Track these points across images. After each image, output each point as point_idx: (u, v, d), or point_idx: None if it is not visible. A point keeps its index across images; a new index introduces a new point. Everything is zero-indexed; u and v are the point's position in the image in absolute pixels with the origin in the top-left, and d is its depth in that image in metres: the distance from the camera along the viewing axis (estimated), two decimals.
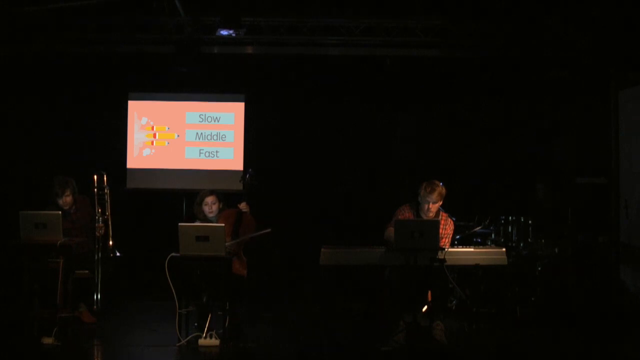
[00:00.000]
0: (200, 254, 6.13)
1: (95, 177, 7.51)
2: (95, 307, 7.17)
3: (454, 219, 6.63)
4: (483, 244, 7.94)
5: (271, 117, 9.44)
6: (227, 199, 7.03)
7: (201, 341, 6.14)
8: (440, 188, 6.33)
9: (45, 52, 8.93)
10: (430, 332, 6.14)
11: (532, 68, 9.00)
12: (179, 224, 6.23)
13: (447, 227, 6.40)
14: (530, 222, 7.83)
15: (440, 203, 6.40)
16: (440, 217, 6.44)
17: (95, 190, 7.37)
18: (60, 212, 6.57)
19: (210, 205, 6.79)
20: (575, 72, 8.82)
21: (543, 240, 7.71)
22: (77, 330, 6.64)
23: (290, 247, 9.06)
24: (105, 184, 7.52)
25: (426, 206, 6.34)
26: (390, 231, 6.21)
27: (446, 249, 6.05)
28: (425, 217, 6.40)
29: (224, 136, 9.37)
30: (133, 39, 8.80)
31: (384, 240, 6.35)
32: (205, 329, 6.18)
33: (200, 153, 9.36)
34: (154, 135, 9.36)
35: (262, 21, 8.73)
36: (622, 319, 7.49)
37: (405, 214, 6.46)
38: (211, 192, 6.88)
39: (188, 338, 6.19)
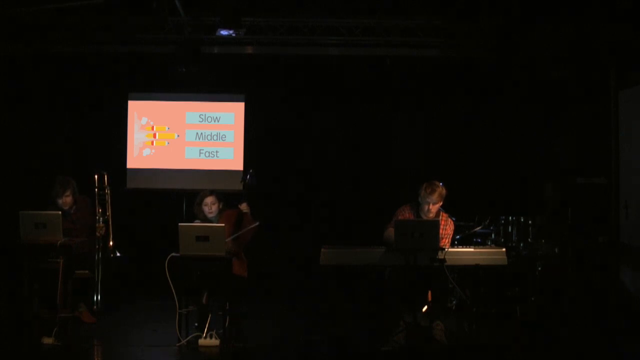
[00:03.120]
0: (200, 254, 6.13)
1: (95, 177, 7.51)
2: (95, 307, 7.17)
3: (454, 219, 6.63)
4: (483, 244, 7.94)
5: (271, 117, 9.44)
6: (227, 199, 7.03)
7: (201, 341, 6.14)
8: (441, 189, 6.33)
9: (45, 52, 8.93)
10: (430, 332, 6.14)
11: (532, 68, 9.00)
12: (179, 224, 6.23)
13: (447, 227, 6.41)
14: (530, 222, 7.82)
15: (441, 204, 6.40)
16: (440, 217, 6.44)
17: (96, 190, 7.38)
18: (60, 212, 6.57)
19: (210, 206, 6.79)
20: (575, 72, 8.82)
21: (543, 240, 7.71)
22: (77, 330, 6.64)
23: (290, 247, 9.07)
24: (106, 184, 7.52)
25: (426, 207, 6.34)
26: (390, 231, 6.22)
27: (446, 249, 6.05)
28: (425, 218, 6.40)
29: (224, 136, 9.37)
30: (133, 39, 8.81)
31: (384, 241, 6.35)
32: (205, 329, 6.18)
33: (200, 153, 9.37)
34: (154, 135, 9.36)
35: (262, 21, 8.74)
36: (622, 319, 7.49)
37: (405, 214, 6.46)
38: (211, 193, 6.89)
39: (188, 338, 6.19)
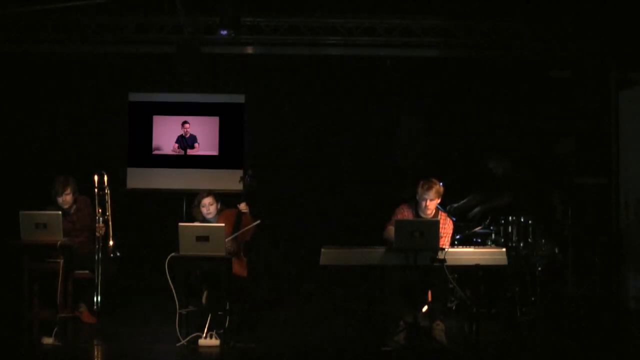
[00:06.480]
0: (200, 254, 6.13)
1: (95, 177, 7.50)
2: (95, 307, 7.16)
3: (454, 219, 6.64)
4: (483, 244, 7.93)
5: (271, 117, 9.44)
6: (226, 199, 7.03)
7: (201, 341, 6.14)
8: (438, 186, 6.39)
9: (45, 52, 8.93)
10: (430, 332, 6.15)
11: (532, 68, 9.00)
12: (179, 224, 6.23)
13: (446, 226, 6.43)
14: (530, 222, 7.82)
15: (438, 201, 6.44)
16: (439, 216, 6.47)
17: (96, 190, 7.37)
18: (60, 212, 6.56)
19: (208, 207, 6.79)
20: (575, 72, 8.83)
21: (543, 240, 7.70)
22: (77, 330, 6.64)
23: (290, 247, 9.07)
24: (106, 184, 7.51)
25: (424, 203, 6.38)
26: (390, 230, 6.23)
27: (446, 249, 6.05)
28: (423, 215, 6.43)
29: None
30: (133, 39, 8.81)
31: (384, 240, 6.36)
32: (205, 329, 6.18)
33: None
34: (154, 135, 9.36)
35: (262, 21, 8.75)
36: (622, 319, 7.49)
37: (403, 213, 6.49)
38: (208, 194, 6.89)
39: (188, 338, 6.18)
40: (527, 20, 8.62)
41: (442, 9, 8.58)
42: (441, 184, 6.54)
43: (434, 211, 6.51)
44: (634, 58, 8.28)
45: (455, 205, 7.90)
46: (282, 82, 9.40)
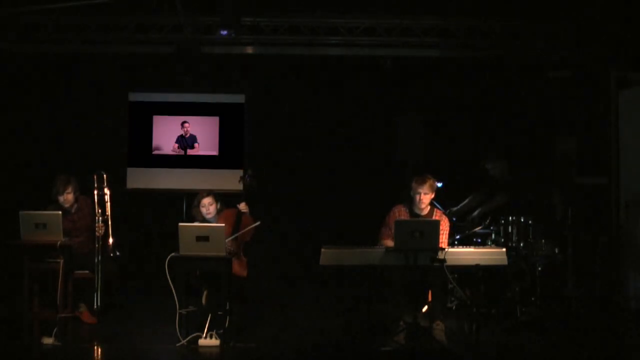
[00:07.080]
0: (200, 254, 6.13)
1: (95, 177, 7.51)
2: (95, 307, 7.16)
3: (453, 219, 6.65)
4: (483, 244, 7.93)
5: (271, 116, 9.45)
6: (226, 199, 7.03)
7: (201, 341, 6.14)
8: (432, 181, 6.50)
9: (45, 52, 8.93)
10: (430, 332, 6.15)
11: (532, 68, 9.00)
12: (179, 224, 6.23)
13: (442, 223, 6.44)
14: (530, 222, 7.82)
15: (432, 195, 6.52)
16: (434, 213, 6.53)
17: (96, 190, 7.37)
18: (60, 212, 6.56)
19: (208, 207, 6.80)
20: (575, 72, 8.83)
21: (543, 240, 7.70)
22: (77, 330, 6.64)
23: (290, 247, 9.07)
24: (105, 184, 7.51)
25: (418, 197, 6.45)
26: (386, 243, 6.29)
27: (446, 249, 6.06)
28: (418, 211, 6.50)
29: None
30: (133, 39, 8.81)
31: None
32: (205, 329, 6.18)
33: None
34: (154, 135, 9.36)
35: (262, 21, 8.75)
36: (623, 320, 7.49)
37: (396, 213, 6.54)
38: (208, 194, 6.89)
39: (188, 338, 6.18)
40: (527, 20, 8.62)
41: (442, 9, 8.58)
42: (440, 184, 6.56)
43: (428, 206, 6.55)
44: (634, 58, 8.28)
45: (455, 208, 7.92)
46: (282, 82, 9.41)
